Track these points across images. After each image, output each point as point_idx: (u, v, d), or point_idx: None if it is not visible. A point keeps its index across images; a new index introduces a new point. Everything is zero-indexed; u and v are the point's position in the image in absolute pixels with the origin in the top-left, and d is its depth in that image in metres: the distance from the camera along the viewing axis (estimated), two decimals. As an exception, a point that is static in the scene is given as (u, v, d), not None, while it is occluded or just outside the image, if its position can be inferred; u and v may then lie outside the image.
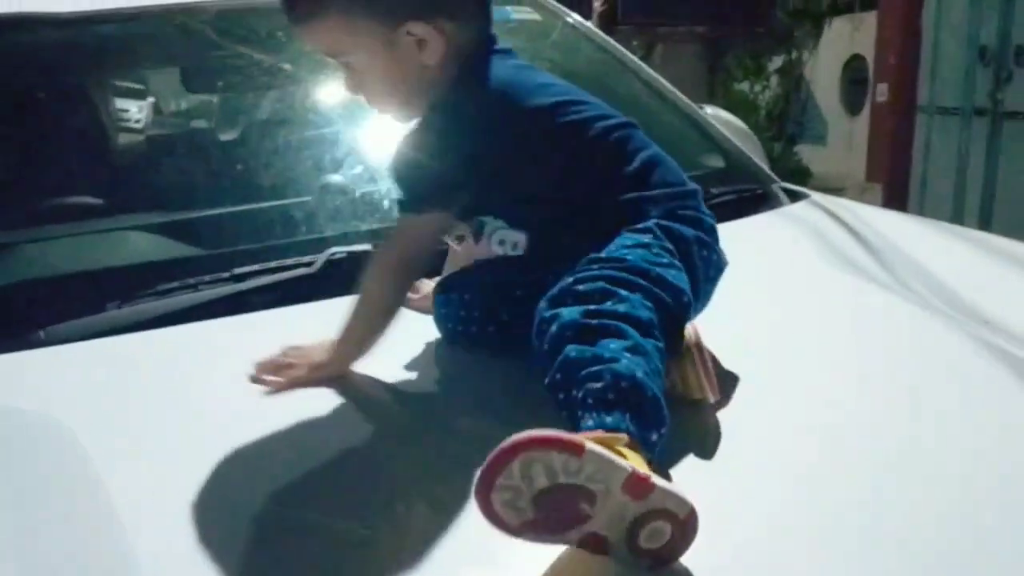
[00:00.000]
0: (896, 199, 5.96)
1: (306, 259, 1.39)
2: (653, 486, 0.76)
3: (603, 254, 1.01)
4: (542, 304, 0.97)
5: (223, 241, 1.49)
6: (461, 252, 1.25)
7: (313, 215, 1.52)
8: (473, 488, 0.73)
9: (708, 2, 5.57)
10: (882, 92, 6.22)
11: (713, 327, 1.08)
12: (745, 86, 8.13)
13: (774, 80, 8.08)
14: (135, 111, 2.25)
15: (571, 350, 0.89)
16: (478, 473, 0.73)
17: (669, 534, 0.76)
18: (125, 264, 1.44)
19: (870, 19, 6.73)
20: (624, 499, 0.75)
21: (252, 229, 1.51)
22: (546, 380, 0.91)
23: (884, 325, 1.26)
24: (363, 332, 1.14)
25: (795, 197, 1.86)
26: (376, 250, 1.18)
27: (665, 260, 1.02)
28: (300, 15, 1.12)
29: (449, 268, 1.32)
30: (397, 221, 1.17)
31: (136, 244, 1.49)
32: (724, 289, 1.13)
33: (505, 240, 1.16)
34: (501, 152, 1.11)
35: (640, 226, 1.06)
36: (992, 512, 0.86)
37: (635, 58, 2.33)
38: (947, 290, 1.35)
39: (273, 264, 1.38)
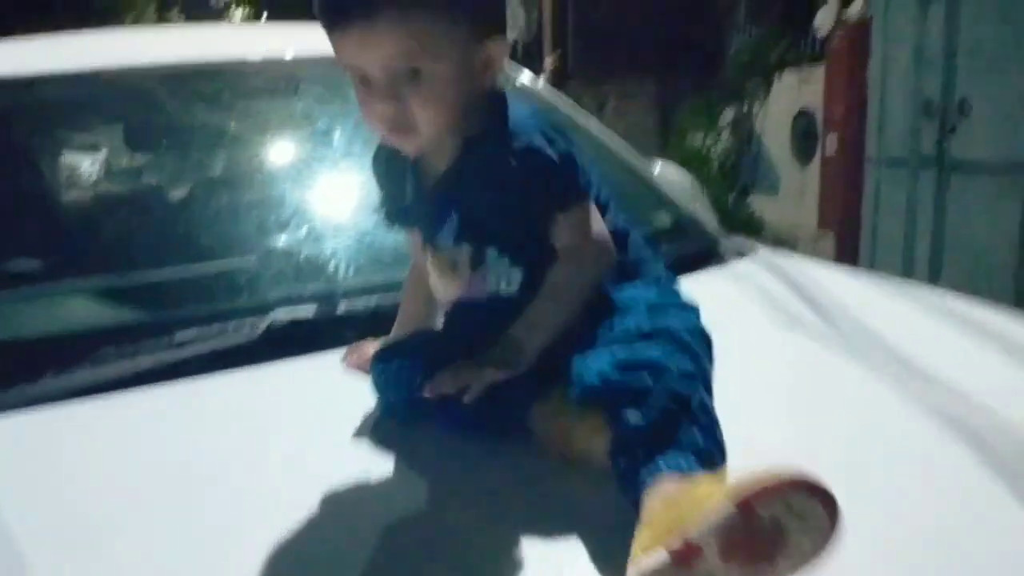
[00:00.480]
0: (848, 247, 6.04)
1: (248, 323, 1.37)
2: None
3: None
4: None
5: (161, 305, 1.46)
6: (439, 284, 1.19)
7: (256, 278, 1.51)
8: (774, 473, 0.78)
9: (657, 57, 5.66)
10: (831, 144, 6.34)
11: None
12: (698, 139, 8.25)
13: (726, 133, 8.20)
14: (86, 166, 2.22)
15: None
16: (792, 470, 0.78)
17: None
18: (61, 331, 1.41)
19: (818, 73, 6.88)
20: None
21: (193, 293, 1.49)
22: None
23: (821, 384, 1.26)
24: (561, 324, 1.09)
25: (742, 252, 1.87)
26: (584, 248, 1.11)
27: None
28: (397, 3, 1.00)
29: (409, 301, 1.30)
30: (582, 212, 1.11)
31: (71, 309, 1.46)
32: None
33: (500, 276, 1.12)
34: None
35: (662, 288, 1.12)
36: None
37: (586, 114, 2.35)
38: (889, 347, 1.36)
39: (214, 329, 1.36)
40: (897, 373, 1.28)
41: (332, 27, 1.04)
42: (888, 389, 1.23)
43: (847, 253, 6.03)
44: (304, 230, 1.61)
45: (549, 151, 1.07)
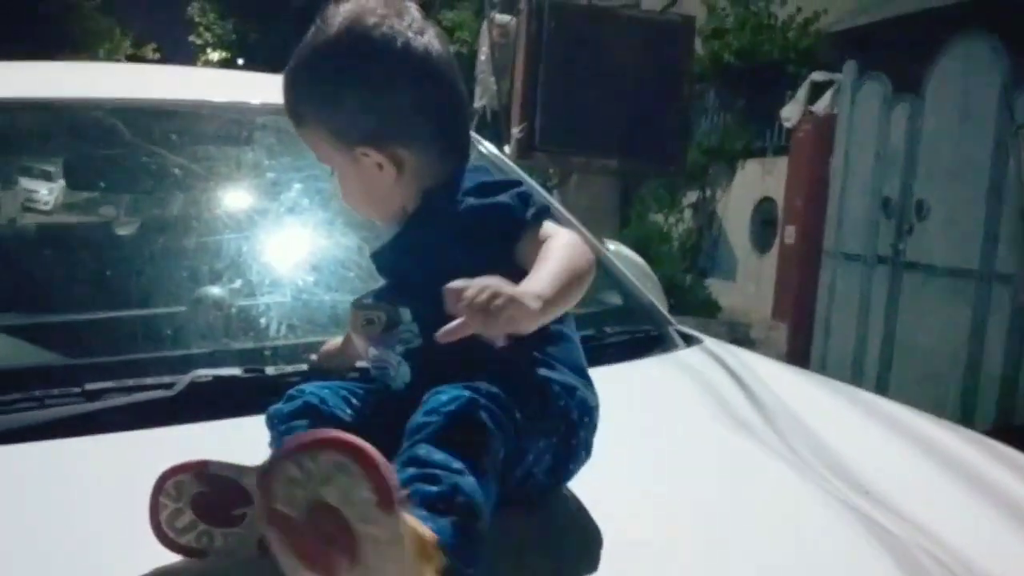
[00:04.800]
0: (800, 338, 6.06)
1: (166, 380, 1.29)
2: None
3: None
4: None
5: (78, 351, 1.38)
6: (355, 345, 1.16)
7: (182, 330, 1.43)
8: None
9: (621, 138, 5.70)
10: (790, 234, 6.41)
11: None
12: (660, 218, 8.32)
13: (688, 214, 8.28)
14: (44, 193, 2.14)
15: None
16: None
17: None
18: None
19: (781, 164, 6.99)
20: None
21: (112, 340, 1.41)
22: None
23: (756, 488, 1.21)
24: None
25: (690, 341, 1.83)
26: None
27: None
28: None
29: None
30: (543, 227, 1.06)
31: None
32: (599, 433, 1.08)
33: (410, 342, 1.06)
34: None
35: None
36: None
37: (541, 189, 2.32)
38: (831, 455, 1.32)
39: (129, 383, 1.28)
40: (831, 479, 1.24)
41: None
42: (818, 496, 1.19)
43: (800, 343, 6.06)
44: (240, 282, 1.55)
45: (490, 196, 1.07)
